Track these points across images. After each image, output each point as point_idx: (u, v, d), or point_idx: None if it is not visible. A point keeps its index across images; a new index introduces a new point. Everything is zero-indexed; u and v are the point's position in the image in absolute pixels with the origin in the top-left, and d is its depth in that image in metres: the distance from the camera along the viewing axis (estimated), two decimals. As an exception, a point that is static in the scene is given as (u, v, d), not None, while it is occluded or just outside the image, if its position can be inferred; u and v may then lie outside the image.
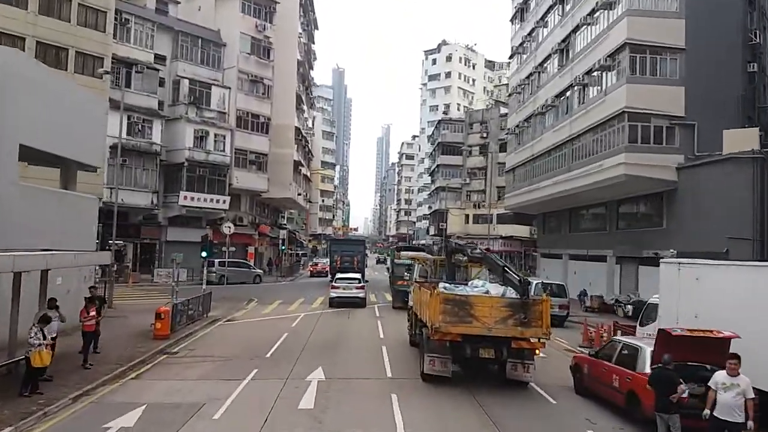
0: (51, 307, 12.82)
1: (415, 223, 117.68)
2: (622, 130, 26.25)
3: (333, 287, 27.92)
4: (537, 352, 12.81)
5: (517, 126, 40.41)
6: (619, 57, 26.86)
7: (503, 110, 73.97)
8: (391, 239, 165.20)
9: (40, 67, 16.43)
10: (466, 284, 14.87)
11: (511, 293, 12.89)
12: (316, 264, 55.37)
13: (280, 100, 46.42)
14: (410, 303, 17.99)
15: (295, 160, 48.76)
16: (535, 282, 21.88)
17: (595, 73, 29.18)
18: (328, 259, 44.78)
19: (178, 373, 13.60)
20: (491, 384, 13.20)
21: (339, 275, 29.39)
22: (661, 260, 14.29)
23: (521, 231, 67.86)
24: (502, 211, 67.83)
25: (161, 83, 39.60)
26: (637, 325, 16.84)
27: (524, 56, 40.34)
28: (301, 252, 68.25)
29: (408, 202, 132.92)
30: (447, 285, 14.28)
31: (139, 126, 36.04)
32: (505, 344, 12.50)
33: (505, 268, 13.47)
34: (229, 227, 28.40)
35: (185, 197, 38.35)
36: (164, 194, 39.95)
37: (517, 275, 13.09)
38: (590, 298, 30.22)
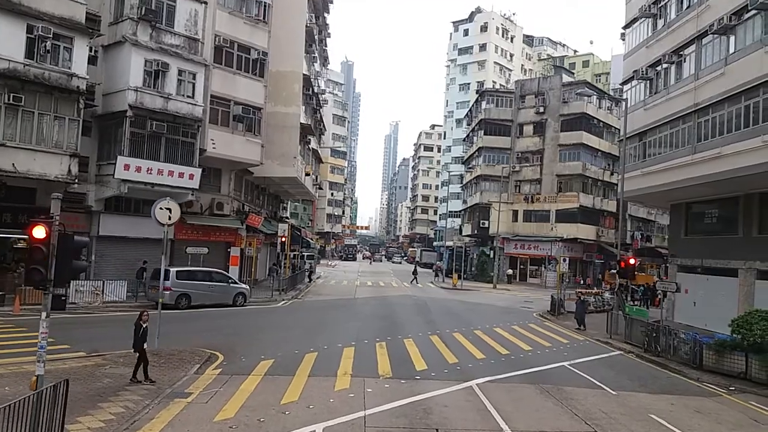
0: None
1: (436, 221, 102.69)
2: None
3: None
4: None
5: (653, 65, 25.68)
6: None
7: (566, 78, 59.38)
8: (402, 240, 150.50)
9: None
10: None
11: None
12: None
13: (283, 31, 31.67)
14: None
15: (302, 124, 33.95)
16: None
17: None
18: None
19: None
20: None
21: None
22: None
23: (586, 232, 53.28)
24: (565, 206, 53.27)
25: (96, -12, 25.15)
26: None
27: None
28: (306, 254, 52.99)
29: (426, 198, 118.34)
30: None
31: (48, 45, 21.43)
32: None
33: None
34: (168, 210, 13.86)
35: (126, 166, 23.75)
36: (97, 162, 25.40)
37: None
38: None
